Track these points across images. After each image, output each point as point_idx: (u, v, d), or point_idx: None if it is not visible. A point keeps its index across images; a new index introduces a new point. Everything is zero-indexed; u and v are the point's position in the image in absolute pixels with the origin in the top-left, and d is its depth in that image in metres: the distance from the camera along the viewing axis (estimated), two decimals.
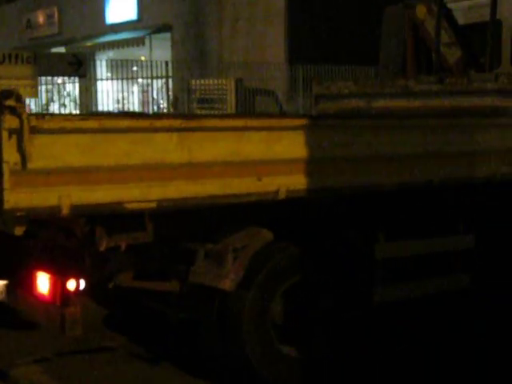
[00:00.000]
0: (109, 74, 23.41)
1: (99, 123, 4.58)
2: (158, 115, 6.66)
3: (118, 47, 25.26)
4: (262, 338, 5.35)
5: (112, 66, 22.63)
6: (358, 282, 5.75)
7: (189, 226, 5.36)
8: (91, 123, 4.57)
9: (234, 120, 5.28)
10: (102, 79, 23.23)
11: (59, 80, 23.55)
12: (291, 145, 5.24)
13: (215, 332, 5.40)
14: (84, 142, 4.52)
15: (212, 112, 20.14)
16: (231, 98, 20.61)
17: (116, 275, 5.46)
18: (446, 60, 7.56)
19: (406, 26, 7.88)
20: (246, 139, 5.06)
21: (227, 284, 5.18)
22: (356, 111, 7.73)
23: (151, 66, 21.88)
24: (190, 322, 5.67)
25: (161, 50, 24.61)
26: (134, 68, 23.41)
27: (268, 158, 5.17)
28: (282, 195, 5.21)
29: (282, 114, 17.98)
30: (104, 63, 22.12)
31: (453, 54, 7.53)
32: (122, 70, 21.98)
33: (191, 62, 22.80)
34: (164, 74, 22.09)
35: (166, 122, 4.82)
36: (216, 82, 20.86)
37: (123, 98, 23.38)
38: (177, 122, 4.84)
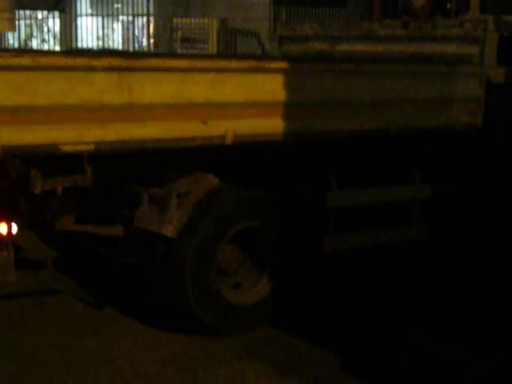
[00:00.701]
0: (89, 11, 22.86)
1: (33, 60, 4.34)
2: (97, 53, 6.36)
3: None
4: (206, 285, 5.19)
5: (93, 3, 22.10)
6: (309, 229, 5.60)
7: (133, 169, 5.17)
8: (25, 60, 4.33)
9: (179, 60, 5.03)
10: (82, 15, 22.70)
11: (39, 15, 22.98)
12: (240, 88, 5.02)
13: (159, 278, 5.25)
14: (18, 80, 4.29)
15: (194, 52, 19.86)
16: (213, 38, 20.26)
17: (57, 219, 5.28)
18: (413, 4, 7.27)
19: None
20: (191, 81, 4.83)
21: (170, 230, 5.01)
22: (320, 54, 7.49)
23: (133, 3, 21.40)
24: (136, 267, 5.51)
25: None
26: (116, 5, 22.86)
27: (215, 100, 4.95)
28: (229, 140, 5.01)
29: (263, 56, 17.65)
30: None
31: None
32: (103, 7, 21.47)
33: (175, 1, 22.30)
34: (147, 11, 21.61)
35: (105, 61, 4.56)
36: (199, 21, 20.49)
37: (104, 35, 22.90)
38: (116, 61, 4.60)
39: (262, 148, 5.29)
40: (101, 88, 4.53)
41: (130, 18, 22.84)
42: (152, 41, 22.26)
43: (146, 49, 22.22)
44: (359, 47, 7.16)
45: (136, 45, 23.41)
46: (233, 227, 5.23)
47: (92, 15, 22.54)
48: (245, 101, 5.04)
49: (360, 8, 8.05)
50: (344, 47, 7.30)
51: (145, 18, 22.30)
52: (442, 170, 6.39)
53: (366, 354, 5.10)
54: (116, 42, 23.23)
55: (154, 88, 4.69)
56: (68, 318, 5.54)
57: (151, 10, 21.89)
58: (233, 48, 20.05)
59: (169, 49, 20.72)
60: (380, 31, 7.01)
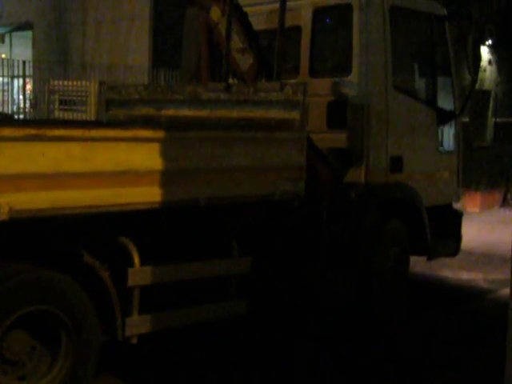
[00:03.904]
0: None
1: None
2: None
3: None
4: None
5: None
6: (106, 312, 4.93)
7: None
8: None
9: None
10: None
11: None
12: (15, 158, 4.35)
13: None
14: None
15: (73, 114, 19.14)
16: (92, 101, 19.61)
17: None
18: (239, 67, 6.80)
19: (201, 28, 7.09)
20: None
21: None
22: (146, 119, 6.93)
23: (11, 64, 20.56)
24: None
25: (22, 47, 23.29)
26: None
27: None
28: (3, 216, 4.32)
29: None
30: None
31: (245, 61, 6.77)
32: None
33: (53, 62, 21.62)
34: (23, 73, 20.80)
35: None
36: (77, 83, 19.83)
37: None
38: None
39: (46, 223, 4.61)
40: None
41: (7, 80, 22.00)
42: (28, 103, 21.47)
43: (22, 111, 21.39)
44: (184, 111, 6.63)
45: (14, 107, 22.55)
46: (11, 313, 4.50)
47: None
48: (21, 172, 4.38)
49: (190, 69, 7.54)
50: (170, 111, 6.76)
51: (20, 80, 21.51)
52: (263, 242, 5.86)
53: None
54: None
55: None
56: None
57: (28, 72, 21.13)
58: None
59: (47, 111, 19.97)
60: (204, 95, 6.52)
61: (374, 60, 6.94)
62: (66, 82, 19.90)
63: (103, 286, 4.88)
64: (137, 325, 5.07)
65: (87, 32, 22.36)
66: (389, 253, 7.08)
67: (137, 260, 5.02)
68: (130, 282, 4.99)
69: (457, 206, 9.06)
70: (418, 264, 8.62)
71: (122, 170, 4.73)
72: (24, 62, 20.61)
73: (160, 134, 4.96)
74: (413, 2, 7.47)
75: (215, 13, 6.82)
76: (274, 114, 5.96)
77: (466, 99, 8.25)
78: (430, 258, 7.98)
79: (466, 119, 21.08)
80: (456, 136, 8.19)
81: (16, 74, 21.13)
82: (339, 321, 6.94)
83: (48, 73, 20.77)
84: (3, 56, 23.15)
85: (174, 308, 5.30)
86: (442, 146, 7.97)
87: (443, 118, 7.86)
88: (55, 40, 22.40)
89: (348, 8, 6.97)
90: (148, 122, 6.65)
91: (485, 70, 23.85)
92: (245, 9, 7.11)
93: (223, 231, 5.62)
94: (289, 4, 7.14)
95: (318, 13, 7.26)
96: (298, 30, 7.33)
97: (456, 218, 8.39)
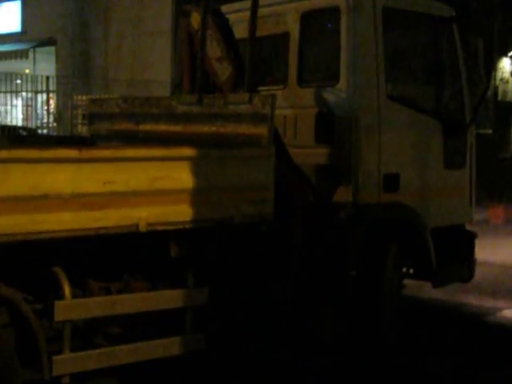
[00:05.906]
0: None
1: None
2: None
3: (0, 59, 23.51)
4: None
5: None
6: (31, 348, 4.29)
7: None
8: None
9: None
10: None
11: None
12: None
13: None
14: None
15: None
16: None
17: None
18: (218, 77, 6.10)
19: (183, 36, 6.40)
20: None
21: None
22: (125, 134, 6.32)
23: (35, 80, 20.30)
24: None
25: (45, 63, 23.05)
26: (18, 81, 21.68)
27: None
28: None
29: None
30: None
31: (224, 70, 6.05)
32: (4, 83, 20.30)
33: (76, 78, 21.34)
34: (46, 88, 20.53)
35: None
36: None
37: (6, 112, 21.70)
38: None
39: None
40: None
41: (31, 95, 21.77)
42: (52, 118, 21.21)
43: (46, 125, 21.16)
44: (161, 126, 5.99)
45: (38, 121, 22.31)
46: None
47: None
48: None
49: (175, 80, 6.87)
50: (147, 126, 6.14)
51: (43, 95, 21.24)
52: (224, 270, 5.14)
53: None
54: (16, 118, 22.04)
55: None
56: None
57: (52, 87, 20.87)
58: None
59: (70, 126, 19.72)
60: (177, 108, 5.86)
61: (364, 67, 6.18)
62: (87, 97, 19.58)
63: (25, 320, 4.24)
64: (68, 363, 4.39)
65: (110, 47, 22.08)
66: (389, 279, 6.32)
67: (67, 292, 4.36)
68: (59, 316, 4.33)
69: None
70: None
71: (41, 194, 4.07)
72: (47, 78, 20.39)
73: (88, 154, 4.28)
74: (410, 3, 6.65)
75: (195, 19, 6.14)
76: (243, 128, 5.26)
77: (476, 108, 7.37)
78: (435, 285, 7.12)
79: (489, 131, 20.18)
80: (467, 149, 7.32)
81: (40, 89, 20.92)
82: None
83: (71, 88, 20.53)
84: (27, 71, 22.96)
85: (116, 344, 4.62)
86: (449, 160, 7.11)
87: (451, 129, 7.01)
88: (78, 55, 22.12)
89: (336, 11, 6.24)
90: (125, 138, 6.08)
91: (507, 82, 22.90)
92: (228, 16, 6.45)
93: (176, 259, 4.90)
94: (275, 9, 6.60)
95: (306, 17, 6.51)
96: (286, 36, 6.62)
97: (468, 240, 7.48)
